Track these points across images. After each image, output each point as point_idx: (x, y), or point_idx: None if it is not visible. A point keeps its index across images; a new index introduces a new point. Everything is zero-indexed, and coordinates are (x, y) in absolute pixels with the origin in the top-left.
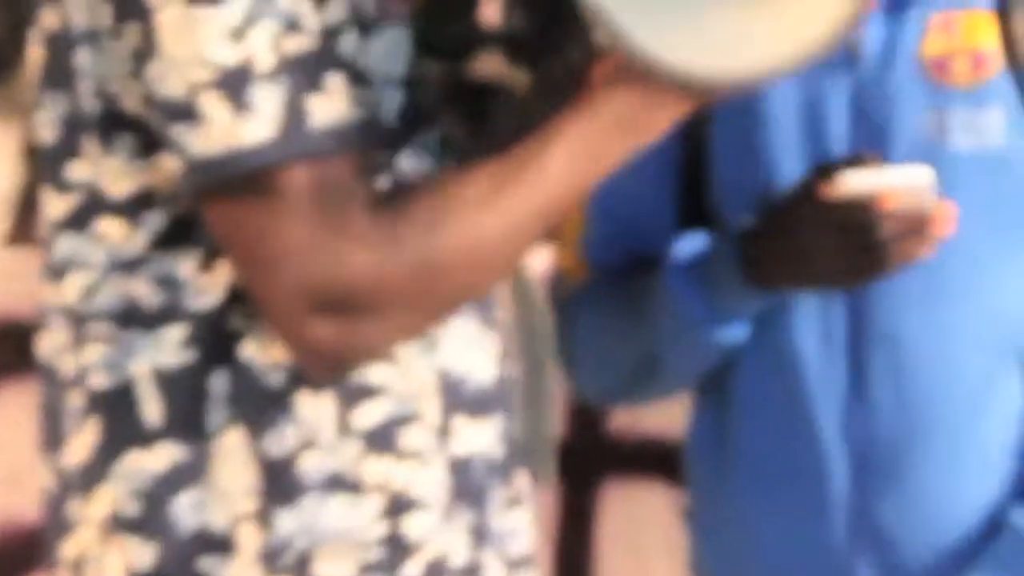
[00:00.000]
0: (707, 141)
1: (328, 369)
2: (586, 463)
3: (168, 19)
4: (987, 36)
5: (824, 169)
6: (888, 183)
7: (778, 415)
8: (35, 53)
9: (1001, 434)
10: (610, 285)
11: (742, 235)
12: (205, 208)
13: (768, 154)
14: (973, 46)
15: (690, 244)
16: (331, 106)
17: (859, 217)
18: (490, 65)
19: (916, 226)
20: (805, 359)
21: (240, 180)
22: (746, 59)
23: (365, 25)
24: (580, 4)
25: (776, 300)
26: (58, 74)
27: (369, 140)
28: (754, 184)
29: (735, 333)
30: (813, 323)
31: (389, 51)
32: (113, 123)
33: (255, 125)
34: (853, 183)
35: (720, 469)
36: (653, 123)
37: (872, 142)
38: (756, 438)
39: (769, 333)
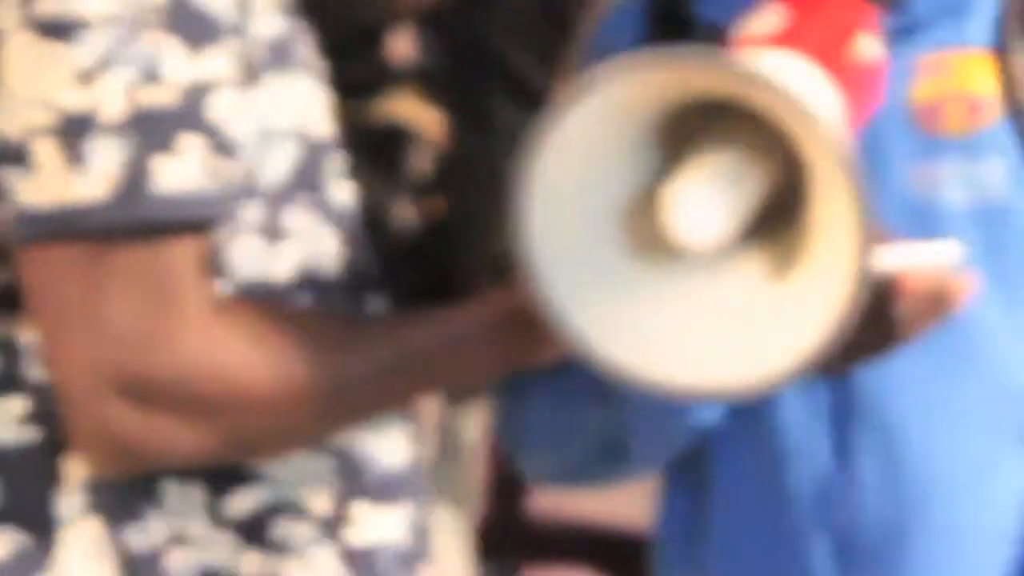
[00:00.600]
0: None
1: (112, 459)
2: (506, 547)
3: (15, 49)
4: (983, 79)
5: None
6: (913, 261)
7: (757, 499)
8: None
9: (1002, 521)
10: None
11: None
12: (23, 261)
13: None
14: (967, 90)
15: None
16: (182, 170)
17: (876, 299)
18: (401, 104)
19: (935, 305)
20: (787, 438)
21: (65, 238)
22: (684, 375)
23: (258, 70)
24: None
25: None
26: None
27: (223, 214)
28: None
29: (713, 413)
30: (795, 398)
31: (285, 100)
32: None
33: (89, 181)
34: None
35: (693, 560)
36: (535, 357)
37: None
38: (734, 525)
39: (748, 409)
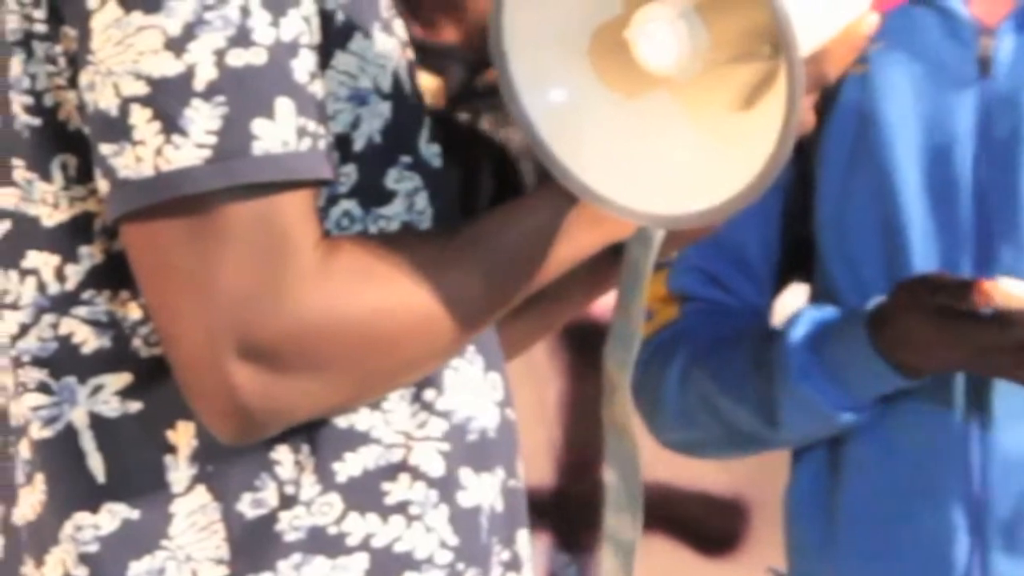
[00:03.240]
0: (816, 160)
1: (238, 426)
2: (579, 514)
3: (103, 24)
4: None
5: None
6: None
7: (894, 474)
8: None
9: None
10: (702, 332)
11: (875, 324)
12: (127, 234)
13: (884, 175)
14: None
15: (804, 328)
16: (277, 132)
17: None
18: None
19: None
20: (922, 413)
21: (169, 205)
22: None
23: (342, 34)
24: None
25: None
26: None
27: (321, 174)
28: (865, 211)
29: (858, 414)
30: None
31: (372, 61)
32: (50, 142)
33: (188, 147)
34: (1015, 291)
35: (827, 532)
36: (621, 221)
37: (999, 162)
38: (870, 501)
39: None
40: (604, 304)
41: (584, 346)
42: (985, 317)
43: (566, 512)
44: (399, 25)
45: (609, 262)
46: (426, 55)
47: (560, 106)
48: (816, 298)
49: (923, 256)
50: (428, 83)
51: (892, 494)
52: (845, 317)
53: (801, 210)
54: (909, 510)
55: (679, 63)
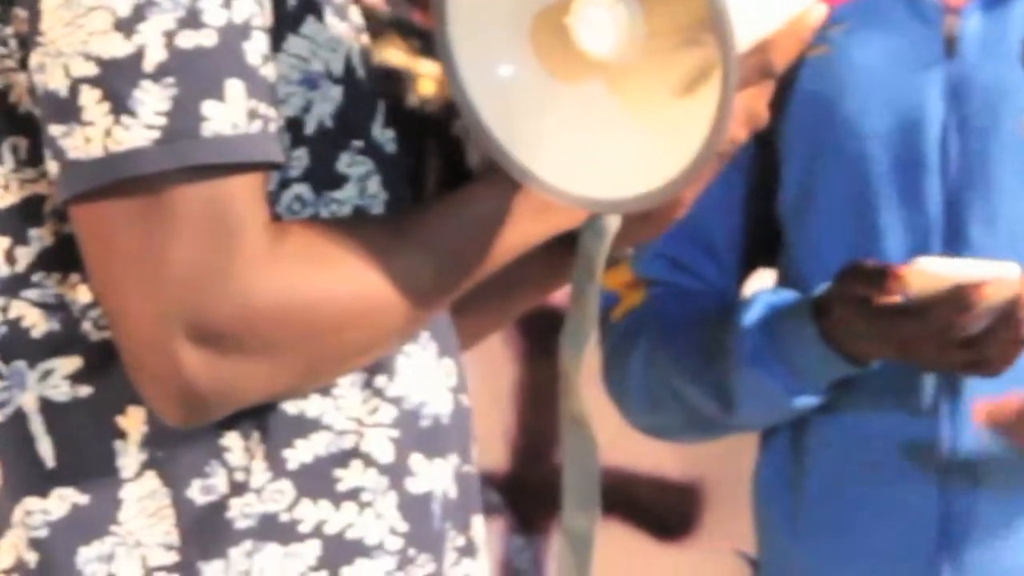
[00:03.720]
0: (778, 144)
1: (185, 409)
2: (534, 499)
3: (53, 5)
4: None
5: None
6: (973, 274)
7: (856, 459)
8: None
9: None
10: (667, 315)
11: (818, 314)
12: (76, 215)
13: (850, 158)
14: None
15: (758, 311)
16: (227, 114)
17: (947, 312)
18: (391, 51)
19: (1007, 323)
20: (889, 393)
21: (118, 186)
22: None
23: (294, 17)
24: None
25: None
26: None
27: (272, 156)
28: (831, 191)
29: (817, 397)
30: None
31: (324, 44)
32: (0, 124)
33: (137, 128)
34: (935, 271)
35: (792, 514)
36: (570, 211)
37: (970, 139)
38: (833, 483)
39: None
40: (559, 291)
41: (538, 332)
42: (904, 307)
43: (520, 497)
44: (354, 11)
45: (564, 254)
46: (431, 43)
47: (500, 87)
48: (782, 284)
49: (892, 239)
50: (433, 71)
51: (856, 476)
52: (796, 303)
53: (765, 195)
54: (874, 492)
55: (617, 49)
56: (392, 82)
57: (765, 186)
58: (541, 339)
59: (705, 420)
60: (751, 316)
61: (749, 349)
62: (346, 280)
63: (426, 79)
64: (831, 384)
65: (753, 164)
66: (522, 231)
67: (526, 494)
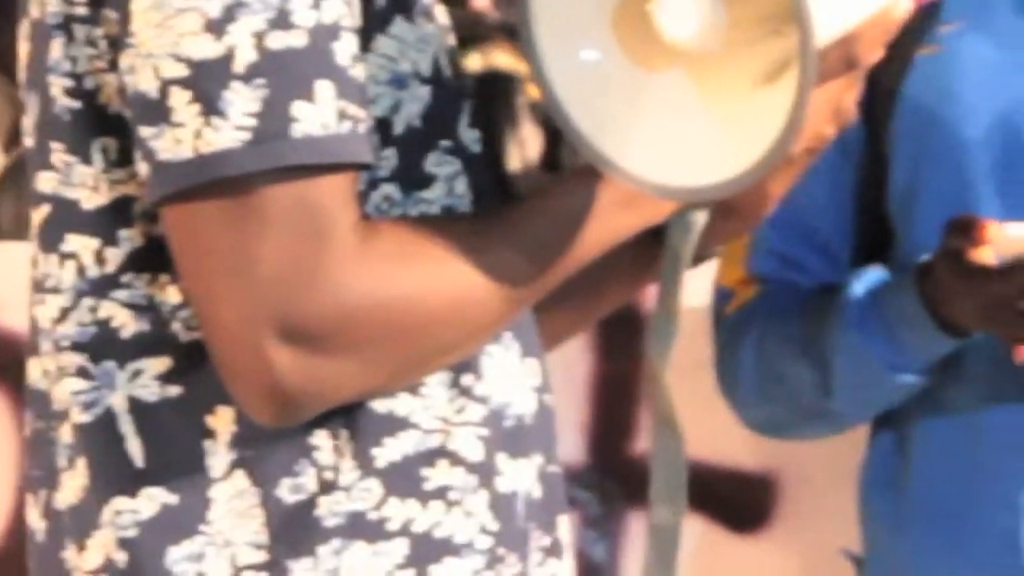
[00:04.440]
0: (887, 143)
1: (276, 409)
2: (610, 488)
3: (143, 6)
4: None
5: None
6: None
7: (962, 457)
8: (22, 49)
9: None
10: (778, 306)
11: (920, 271)
12: (166, 217)
13: (956, 156)
14: None
15: (865, 281)
16: (318, 114)
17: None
18: (500, 54)
19: None
20: (985, 414)
21: (208, 187)
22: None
23: (382, 18)
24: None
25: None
26: (35, 71)
27: (361, 157)
28: (935, 193)
29: (921, 377)
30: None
31: (413, 45)
32: (90, 125)
33: (228, 129)
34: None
35: (897, 514)
36: (656, 204)
37: None
38: (940, 483)
39: (953, 367)
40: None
41: (614, 325)
42: (993, 268)
43: (596, 490)
44: (440, 11)
45: (651, 252)
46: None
47: (583, 75)
48: None
49: None
50: (519, 67)
51: (960, 476)
52: (903, 271)
53: (876, 191)
54: (982, 489)
55: (699, 36)
56: (500, 84)
57: (876, 185)
58: (616, 332)
59: (810, 408)
60: (859, 285)
61: (851, 313)
62: (435, 277)
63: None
64: (930, 363)
65: (863, 163)
66: (609, 224)
67: (602, 487)
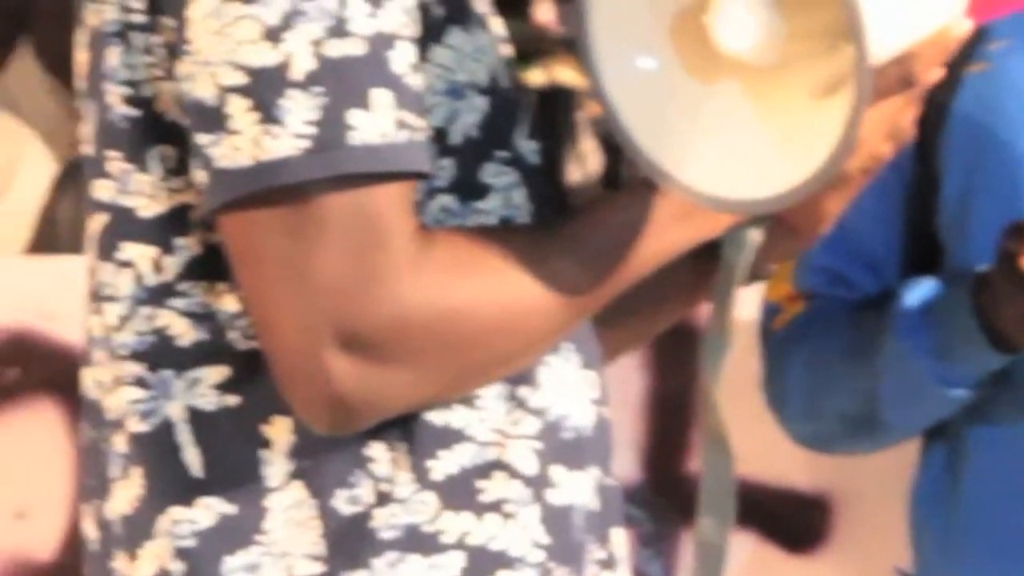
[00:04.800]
0: (938, 159)
1: (334, 418)
2: (664, 505)
3: (201, 14)
4: None
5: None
6: None
7: (1014, 472)
8: (80, 57)
9: None
10: (826, 321)
11: (976, 282)
12: (224, 225)
13: (1008, 173)
14: None
15: (918, 292)
16: (375, 123)
17: None
18: (563, 69)
19: None
20: None
21: (266, 195)
22: (766, 187)
23: (439, 28)
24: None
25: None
26: (93, 80)
27: (419, 166)
28: (988, 209)
29: (970, 392)
30: None
31: (469, 55)
32: (147, 133)
33: (286, 136)
34: None
35: (948, 530)
36: (712, 219)
37: None
38: (992, 499)
39: (1006, 381)
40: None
41: (667, 342)
42: None
43: (650, 507)
44: (496, 22)
45: (708, 268)
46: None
47: (639, 86)
48: None
49: None
50: (581, 82)
51: (1011, 495)
52: (956, 283)
53: (925, 209)
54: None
55: (755, 49)
56: (561, 98)
57: (926, 201)
58: (670, 348)
59: (858, 422)
60: (911, 296)
61: (902, 325)
62: (494, 288)
63: None
64: (980, 379)
65: (913, 178)
66: (666, 237)
67: (656, 504)
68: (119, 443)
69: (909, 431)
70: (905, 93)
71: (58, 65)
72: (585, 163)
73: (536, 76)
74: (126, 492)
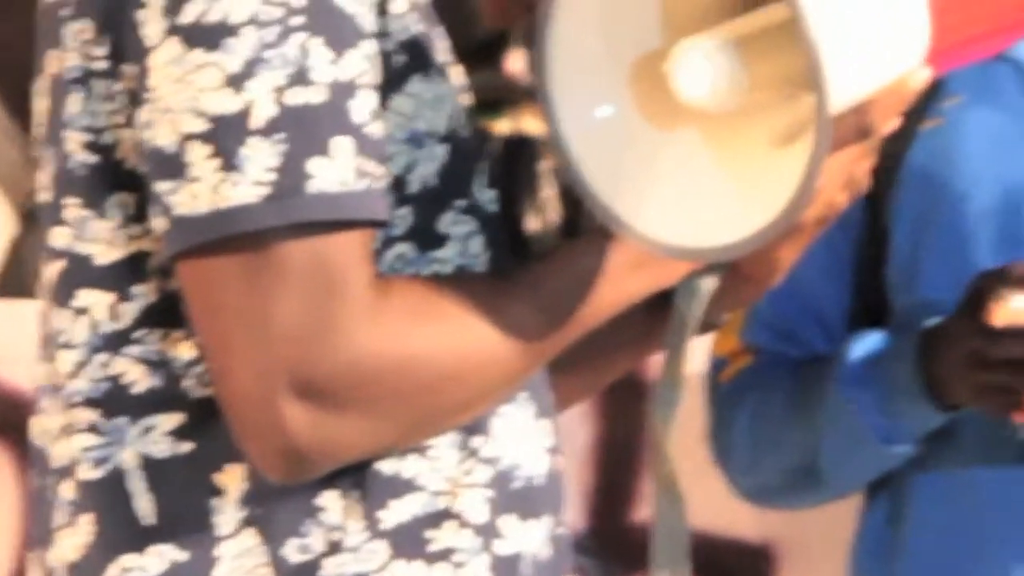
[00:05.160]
0: (888, 212)
1: (287, 465)
2: (610, 553)
3: (162, 61)
4: None
5: (995, 280)
6: None
7: (956, 524)
8: (39, 105)
9: None
10: (770, 375)
11: (923, 337)
12: (182, 272)
13: (957, 232)
14: None
15: (863, 346)
16: (334, 171)
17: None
18: (527, 119)
19: None
20: (981, 477)
21: (224, 242)
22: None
23: (399, 76)
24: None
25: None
26: (53, 127)
27: (377, 214)
28: (938, 264)
29: (911, 448)
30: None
31: (429, 104)
32: (106, 180)
33: (246, 184)
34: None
35: (886, 573)
36: (668, 267)
37: None
38: (934, 549)
39: (948, 431)
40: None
41: (616, 391)
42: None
43: (598, 555)
44: (457, 71)
45: (661, 318)
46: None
47: (598, 134)
48: None
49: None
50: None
51: (953, 545)
52: (902, 337)
53: (874, 264)
54: (974, 559)
55: (714, 95)
56: (525, 148)
57: (875, 254)
58: (616, 397)
59: (799, 476)
60: (856, 349)
61: (845, 378)
62: (450, 335)
63: None
64: (922, 434)
65: (863, 232)
66: (621, 285)
67: (603, 554)
68: (66, 491)
69: (850, 486)
70: (862, 143)
71: (21, 112)
72: (545, 212)
73: (502, 125)
74: (73, 540)
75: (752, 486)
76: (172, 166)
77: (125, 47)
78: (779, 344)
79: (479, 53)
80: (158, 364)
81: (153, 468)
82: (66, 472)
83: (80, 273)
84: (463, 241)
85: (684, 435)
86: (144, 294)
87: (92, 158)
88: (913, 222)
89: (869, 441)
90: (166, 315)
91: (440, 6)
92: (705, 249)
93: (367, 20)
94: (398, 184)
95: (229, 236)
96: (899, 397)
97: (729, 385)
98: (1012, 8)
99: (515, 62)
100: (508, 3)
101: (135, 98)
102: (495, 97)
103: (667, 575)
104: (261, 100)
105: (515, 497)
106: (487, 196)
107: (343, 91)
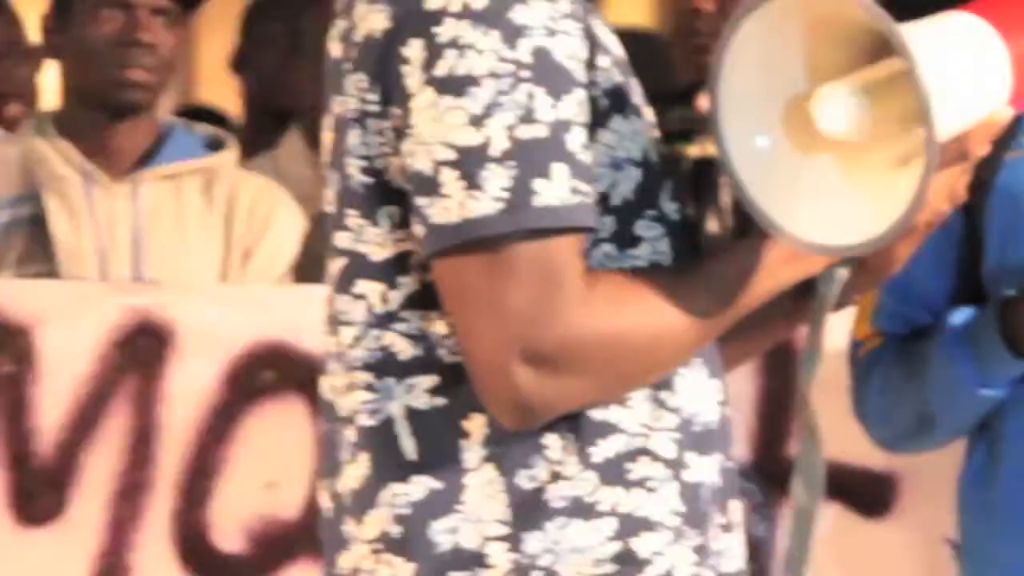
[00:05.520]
0: (982, 221)
1: (519, 416)
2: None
3: (421, 105)
4: None
5: None
6: None
7: None
8: (327, 137)
9: None
10: (895, 351)
11: (1003, 305)
12: (436, 268)
13: None
14: None
15: (960, 316)
16: (554, 189)
17: None
18: (712, 146)
19: None
20: None
21: (469, 245)
22: (857, 233)
23: (604, 116)
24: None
25: None
26: (337, 155)
27: (588, 223)
28: (1022, 264)
29: (1001, 391)
30: None
31: (627, 136)
32: (378, 196)
33: (486, 200)
34: None
35: (987, 507)
36: (811, 261)
37: None
38: (1021, 484)
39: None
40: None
41: (771, 354)
42: None
43: (758, 483)
44: (648, 110)
45: (804, 300)
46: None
47: (757, 157)
48: None
49: None
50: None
51: None
52: (988, 307)
53: (971, 262)
54: None
55: (847, 128)
56: (711, 168)
57: (972, 254)
58: (775, 360)
59: (918, 423)
60: (954, 318)
61: (946, 338)
62: (645, 315)
63: None
64: (1006, 380)
65: (961, 236)
66: (776, 275)
67: (763, 480)
68: (349, 434)
69: (957, 429)
70: (961, 164)
71: (314, 143)
72: (724, 218)
73: (693, 149)
74: (354, 472)
75: (884, 435)
76: (429, 186)
77: (392, 94)
78: (900, 327)
79: (680, 95)
80: (419, 337)
81: (415, 417)
82: (348, 420)
83: (358, 267)
84: (653, 242)
85: (825, 389)
86: (408, 284)
87: (367, 179)
88: (1001, 230)
89: (966, 386)
90: (425, 300)
91: (636, 63)
92: (841, 246)
93: (579, 73)
94: (603, 199)
95: (473, 240)
96: (986, 348)
97: (865, 359)
98: None
99: (703, 101)
100: (697, 58)
101: (400, 133)
102: (689, 128)
103: (806, 495)
104: (497, 135)
105: (695, 438)
106: (671, 207)
107: (561, 128)
